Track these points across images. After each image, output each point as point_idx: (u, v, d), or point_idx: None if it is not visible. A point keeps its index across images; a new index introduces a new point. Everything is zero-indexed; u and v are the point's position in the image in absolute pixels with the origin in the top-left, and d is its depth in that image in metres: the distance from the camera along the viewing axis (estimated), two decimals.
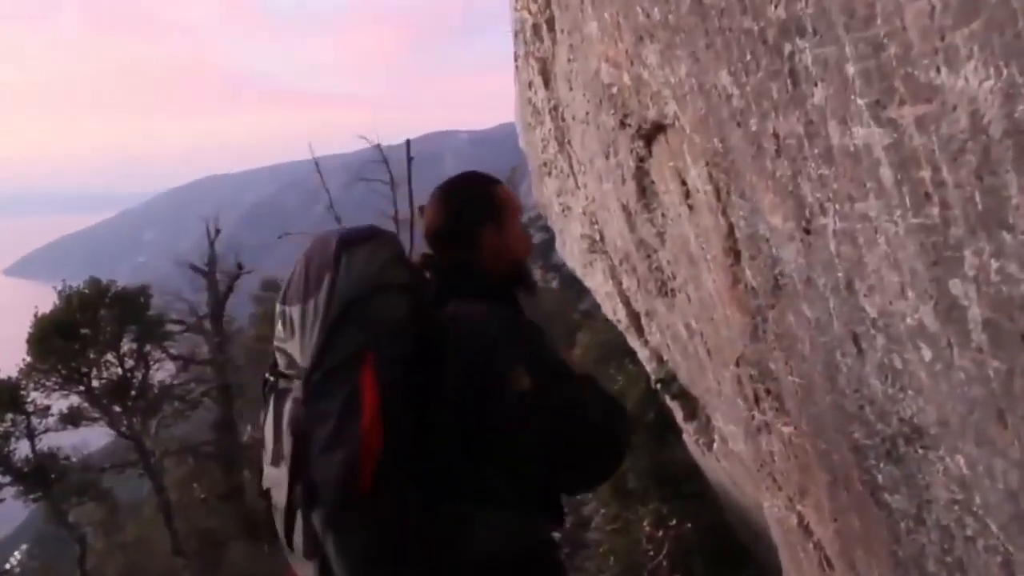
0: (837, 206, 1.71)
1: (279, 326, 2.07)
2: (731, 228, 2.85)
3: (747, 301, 2.93)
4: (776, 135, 1.92)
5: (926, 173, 1.37)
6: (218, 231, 20.69)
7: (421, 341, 2.00)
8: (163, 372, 20.93)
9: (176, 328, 21.04)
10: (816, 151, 1.74)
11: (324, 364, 1.92)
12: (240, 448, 20.26)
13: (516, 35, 5.11)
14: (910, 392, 1.74)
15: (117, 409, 18.95)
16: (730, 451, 4.52)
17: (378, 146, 11.20)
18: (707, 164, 2.86)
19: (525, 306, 2.35)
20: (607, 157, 3.96)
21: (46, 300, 20.43)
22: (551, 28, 4.48)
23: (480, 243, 2.31)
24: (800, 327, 2.43)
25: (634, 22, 2.96)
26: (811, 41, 1.62)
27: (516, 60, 5.31)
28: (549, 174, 5.28)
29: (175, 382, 21.02)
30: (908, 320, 1.60)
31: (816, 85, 1.65)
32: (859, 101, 1.51)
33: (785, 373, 2.87)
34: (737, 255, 2.90)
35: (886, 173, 1.50)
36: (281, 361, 2.07)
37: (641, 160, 3.65)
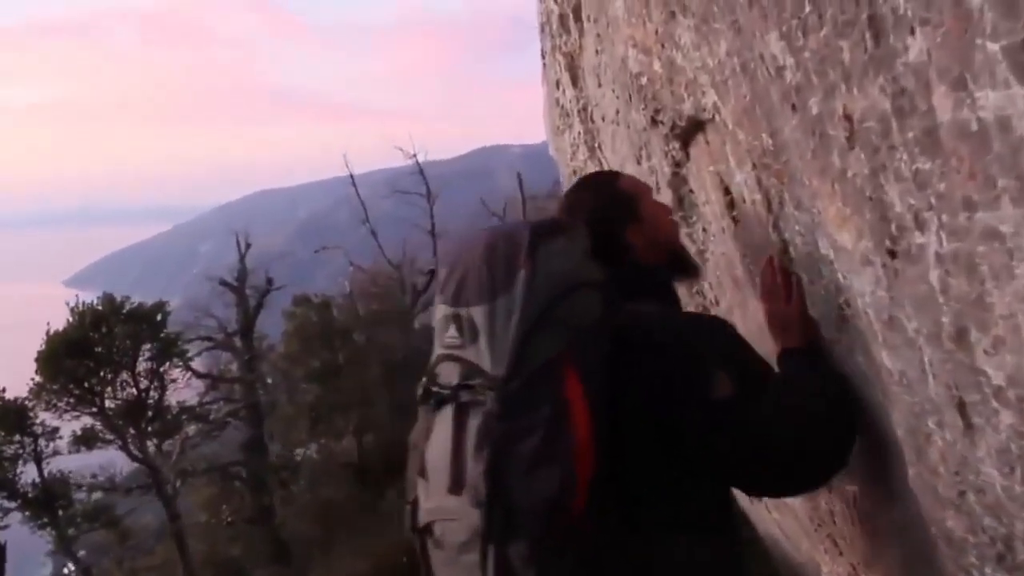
0: (944, 217, 1.13)
1: (450, 331, 1.84)
2: (785, 246, 2.30)
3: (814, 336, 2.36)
4: (848, 117, 1.35)
5: None
6: (248, 245, 20.38)
7: (614, 345, 1.86)
8: (190, 391, 20.52)
9: (200, 345, 20.68)
10: (911, 135, 1.16)
11: (523, 371, 1.73)
12: (269, 469, 19.85)
13: (542, 29, 4.58)
14: None
15: (132, 431, 18.56)
16: (783, 503, 3.95)
17: (414, 156, 10.81)
18: (754, 167, 2.30)
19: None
20: (639, 162, 3.41)
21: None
22: (577, 17, 3.95)
23: (626, 244, 2.21)
24: (874, 373, 1.87)
25: None
26: None
27: (543, 57, 4.77)
28: None
29: (204, 400, 20.62)
30: None
31: (913, 33, 1.08)
32: (990, 47, 0.92)
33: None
34: (797, 279, 2.33)
35: None
36: (452, 371, 1.84)
37: (677, 165, 3.10)
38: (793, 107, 1.65)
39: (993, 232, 1.04)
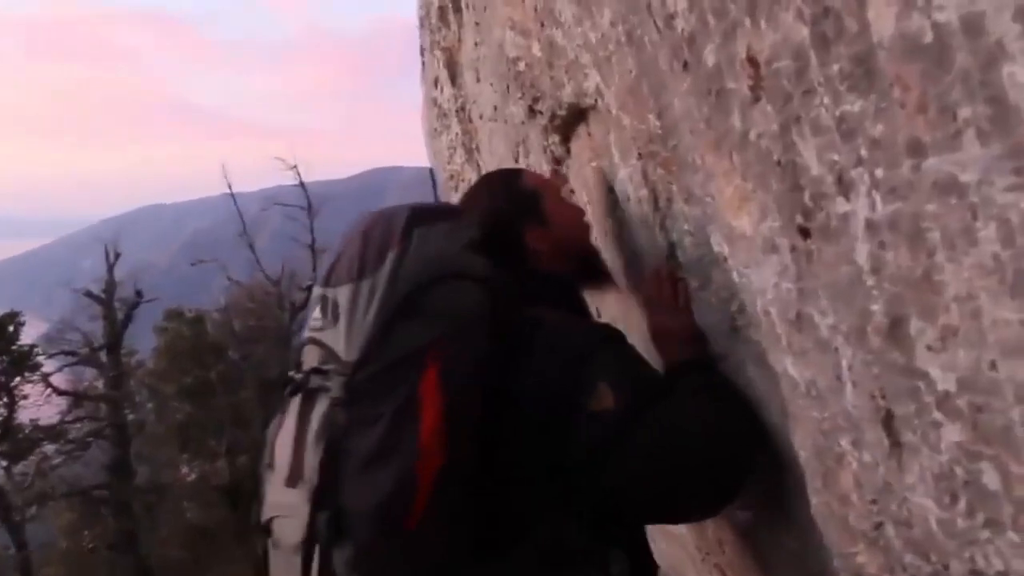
0: (879, 172, 0.86)
1: (316, 312, 1.71)
2: (672, 249, 2.06)
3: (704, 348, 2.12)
4: (752, 60, 1.08)
5: None
6: (118, 255, 19.41)
7: (499, 347, 1.68)
8: (51, 408, 19.36)
9: (62, 360, 19.57)
10: (835, 68, 0.89)
11: (377, 359, 1.57)
12: (135, 492, 18.84)
13: (421, 24, 4.30)
14: (1011, 535, 0.89)
15: None
16: (669, 531, 3.73)
17: (295, 167, 10.41)
18: (640, 156, 2.06)
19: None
20: (516, 160, 3.15)
21: None
22: (457, 8, 3.68)
23: (527, 249, 2.01)
24: (768, 389, 1.63)
25: None
26: None
27: (422, 55, 4.49)
28: (456, 188, 4.46)
29: (65, 419, 19.48)
30: None
31: None
32: None
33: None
34: (684, 286, 2.08)
35: (1019, 71, 0.66)
36: (313, 356, 1.68)
37: (557, 162, 2.84)
38: (685, 65, 1.38)
39: (949, 183, 0.77)
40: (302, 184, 11.60)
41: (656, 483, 1.68)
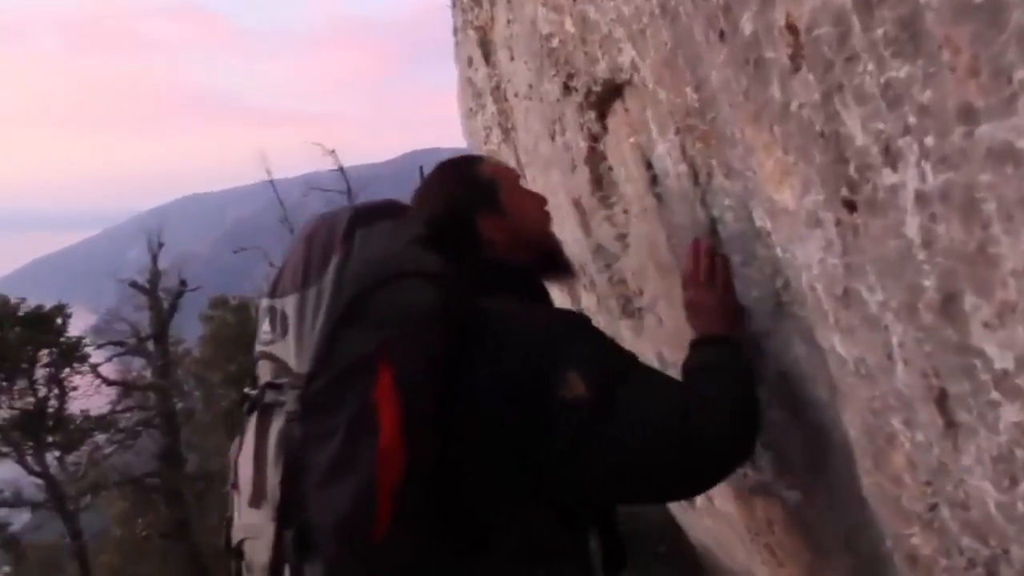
0: (929, 140, 0.81)
1: (265, 325, 1.67)
2: (713, 224, 2.01)
3: (735, 327, 2.08)
4: (792, 28, 1.03)
5: None
6: (161, 245, 19.61)
7: (453, 342, 1.64)
8: (101, 398, 19.62)
9: (111, 351, 19.80)
10: (880, 32, 0.85)
11: (329, 368, 1.53)
12: (185, 480, 19.06)
13: (453, 4, 4.25)
14: None
15: (30, 443, 17.60)
16: (717, 510, 3.69)
17: (332, 152, 10.45)
18: (678, 131, 2.01)
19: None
20: (552, 139, 3.10)
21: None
22: None
23: (481, 240, 1.90)
24: (816, 365, 1.59)
25: None
26: None
27: (455, 35, 4.44)
28: None
29: (116, 409, 19.74)
30: None
31: None
32: None
33: (791, 425, 2.03)
34: (723, 262, 2.04)
35: None
36: (267, 369, 1.65)
37: (594, 139, 2.79)
38: (722, 34, 1.33)
39: (1005, 150, 0.72)
40: (341, 168, 11.64)
41: (631, 469, 1.61)
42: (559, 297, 4.33)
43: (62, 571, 19.70)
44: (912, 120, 0.84)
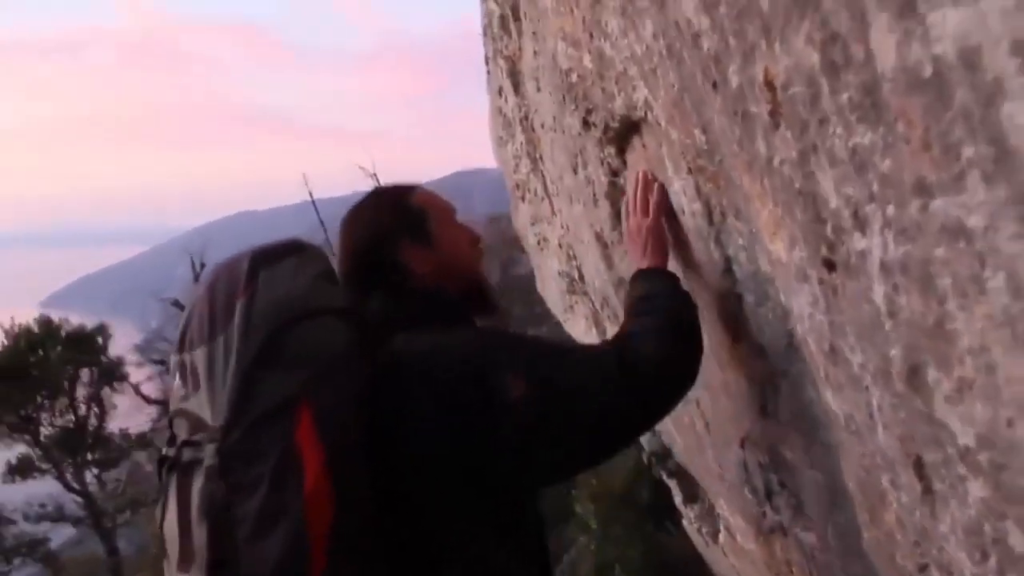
0: (890, 210, 0.80)
1: (176, 381, 1.61)
2: (728, 263, 1.99)
3: (753, 365, 2.07)
4: (770, 84, 1.02)
5: None
6: (203, 265, 19.85)
7: (370, 379, 1.60)
8: (143, 416, 19.84)
9: (153, 370, 20.08)
10: (845, 97, 0.83)
11: (245, 416, 1.47)
12: None
13: (484, 33, 4.27)
14: None
15: (70, 460, 17.88)
16: (740, 547, 3.64)
17: (374, 175, 10.55)
18: (690, 171, 2.00)
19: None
20: (575, 171, 3.10)
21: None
22: (516, 17, 3.64)
23: (404, 270, 1.84)
24: (825, 411, 1.57)
25: None
26: None
27: (487, 63, 4.46)
28: (523, 198, 4.41)
29: (157, 427, 20.00)
30: None
31: None
32: None
33: (804, 465, 1.99)
34: (739, 300, 2.02)
35: (1018, 112, 0.60)
36: (182, 427, 1.59)
37: (614, 174, 2.78)
38: (714, 85, 1.33)
39: (956, 228, 0.71)
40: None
41: (592, 430, 1.66)
42: (584, 328, 4.32)
43: None
44: (876, 188, 0.83)
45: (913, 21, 0.68)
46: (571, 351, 1.75)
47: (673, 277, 2.02)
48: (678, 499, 4.36)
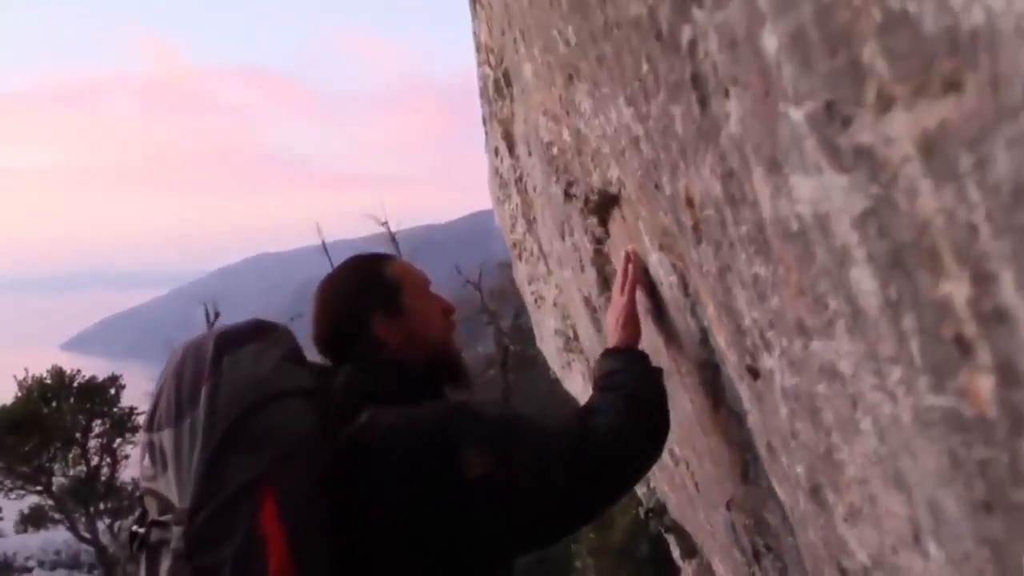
0: (784, 342, 0.83)
1: (146, 461, 1.62)
2: (704, 334, 2.02)
3: (732, 432, 2.09)
4: (690, 202, 1.06)
5: (955, 286, 0.51)
6: (217, 314, 19.95)
7: (334, 460, 1.60)
8: None
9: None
10: (744, 230, 0.88)
11: (210, 500, 1.48)
12: None
13: (481, 95, 4.33)
14: None
15: (82, 510, 17.89)
16: None
17: (385, 224, 10.65)
18: (662, 247, 2.03)
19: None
20: (563, 237, 3.14)
21: (101, 375, 19.81)
22: (508, 82, 3.70)
23: (375, 340, 1.84)
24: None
25: (557, 55, 2.16)
26: (707, 7, 0.77)
27: (484, 125, 4.53)
28: (520, 257, 4.46)
29: None
30: None
31: (728, 96, 0.79)
32: (793, 114, 0.64)
33: (785, 532, 2.01)
34: (716, 370, 2.05)
35: (863, 279, 0.64)
36: (152, 506, 1.60)
37: (598, 241, 2.82)
38: (656, 186, 1.37)
39: (832, 370, 0.75)
40: (393, 238, 11.88)
41: (554, 505, 1.67)
42: (581, 385, 4.33)
43: None
44: (772, 318, 0.87)
45: (780, 178, 0.72)
46: (534, 426, 1.74)
47: (639, 354, 2.06)
48: (676, 553, 4.34)
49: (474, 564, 1.64)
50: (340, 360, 1.86)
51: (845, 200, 0.62)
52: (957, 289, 0.52)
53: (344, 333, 1.87)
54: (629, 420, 1.79)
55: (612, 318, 2.17)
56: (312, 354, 1.95)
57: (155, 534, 1.56)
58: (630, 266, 2.16)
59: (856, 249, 0.63)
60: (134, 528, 1.63)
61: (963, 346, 0.54)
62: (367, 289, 1.92)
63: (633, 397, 1.85)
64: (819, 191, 0.65)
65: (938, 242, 0.52)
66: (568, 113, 2.41)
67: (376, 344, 1.85)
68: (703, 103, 0.90)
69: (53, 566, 19.16)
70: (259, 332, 1.71)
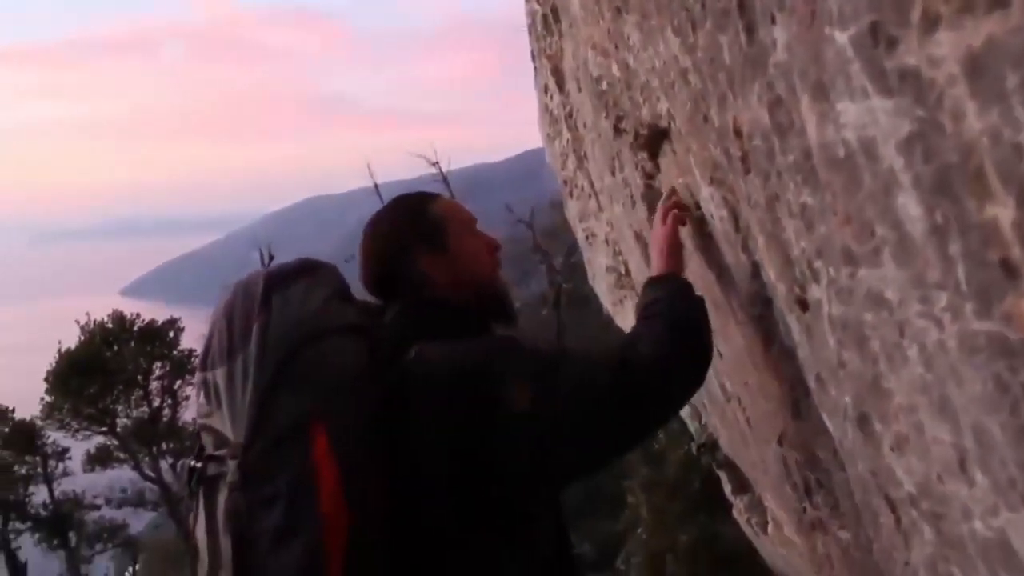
0: (831, 271, 0.83)
1: (201, 398, 1.66)
2: (756, 268, 2.00)
3: (784, 367, 2.08)
4: (738, 132, 1.05)
5: (1001, 208, 0.51)
6: (272, 257, 20.17)
7: (384, 394, 1.61)
8: None
9: None
10: (791, 159, 0.87)
11: (263, 436, 1.52)
12: None
13: (529, 32, 4.28)
14: None
15: (146, 450, 18.40)
16: (787, 539, 3.64)
17: (436, 164, 10.61)
18: (712, 181, 2.01)
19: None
20: (613, 173, 3.12)
21: (160, 319, 20.29)
22: (556, 18, 3.65)
23: (421, 277, 1.85)
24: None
25: None
26: None
27: (533, 60, 4.48)
28: (571, 194, 4.43)
29: None
30: (978, 525, 0.71)
31: (774, 22, 0.78)
32: (839, 38, 0.63)
33: (836, 468, 2.00)
34: (768, 304, 2.03)
35: (909, 204, 0.63)
36: (208, 442, 1.65)
37: (649, 177, 2.79)
38: (704, 118, 1.36)
39: (878, 298, 0.74)
40: (444, 179, 11.83)
41: (597, 436, 1.68)
42: (633, 322, 4.31)
43: (183, 566, 20.67)
44: (821, 247, 0.86)
45: (826, 104, 0.71)
46: (577, 358, 1.77)
47: (681, 282, 2.05)
48: (727, 489, 4.36)
49: (519, 495, 1.67)
50: (388, 299, 1.88)
51: (891, 124, 0.61)
52: (1003, 212, 0.52)
53: (391, 272, 1.87)
54: (670, 349, 1.78)
55: (655, 247, 2.16)
56: (362, 296, 1.98)
57: (212, 468, 1.61)
58: (674, 196, 2.16)
59: (902, 174, 0.63)
60: (192, 463, 1.68)
61: (1009, 270, 0.54)
62: (412, 227, 1.92)
63: (675, 326, 1.84)
64: (865, 116, 0.64)
65: (984, 164, 0.52)
66: (617, 47, 2.38)
67: (423, 282, 1.86)
68: (750, 30, 0.89)
69: (120, 504, 19.85)
70: (307, 270, 1.73)
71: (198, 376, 1.69)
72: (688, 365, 1.86)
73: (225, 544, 1.53)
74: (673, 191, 2.20)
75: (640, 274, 3.47)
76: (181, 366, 19.47)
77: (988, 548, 0.73)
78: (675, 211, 2.14)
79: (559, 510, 1.90)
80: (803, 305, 1.08)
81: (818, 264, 0.89)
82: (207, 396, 1.64)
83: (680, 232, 2.19)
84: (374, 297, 1.92)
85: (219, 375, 1.61)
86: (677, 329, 1.84)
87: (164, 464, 19.00)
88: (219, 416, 1.61)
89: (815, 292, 0.95)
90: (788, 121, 0.86)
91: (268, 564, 1.48)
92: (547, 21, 3.88)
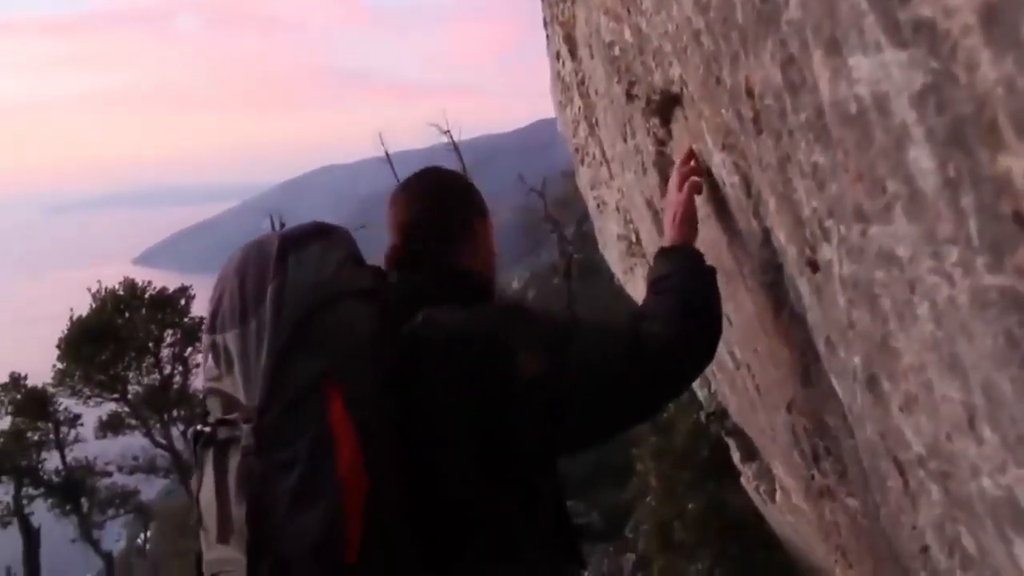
0: (842, 229, 0.83)
1: (209, 361, 1.64)
2: (766, 235, 1.99)
3: (794, 333, 2.08)
4: (750, 92, 1.05)
5: (1015, 160, 0.50)
6: (283, 224, 20.18)
7: (396, 359, 1.63)
8: None
9: None
10: (803, 117, 0.86)
11: (279, 399, 1.51)
12: None
13: None
14: None
15: (157, 417, 18.52)
16: (795, 506, 3.66)
17: (447, 133, 10.59)
18: (724, 146, 2.00)
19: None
20: (625, 140, 3.11)
21: (171, 287, 20.40)
22: None
23: (474, 238, 1.94)
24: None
25: None
26: None
27: (545, 27, 4.45)
28: (582, 162, 4.43)
29: None
30: (987, 483, 0.72)
31: None
32: None
33: (845, 434, 2.01)
34: (778, 270, 2.02)
35: (921, 158, 0.63)
36: (216, 406, 1.63)
37: (661, 143, 2.78)
38: (717, 80, 1.35)
39: (889, 255, 0.74)
40: (456, 148, 11.80)
41: (606, 405, 1.68)
42: (643, 290, 4.32)
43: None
44: (832, 206, 0.86)
45: (839, 59, 0.71)
46: (588, 329, 1.78)
47: (694, 254, 2.04)
48: (736, 457, 4.38)
49: (525, 462, 1.69)
50: (424, 247, 1.89)
51: (904, 77, 0.61)
52: (1016, 163, 0.51)
53: (446, 224, 1.91)
54: (682, 326, 1.78)
55: (669, 215, 2.14)
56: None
57: (223, 432, 1.60)
58: (689, 161, 2.12)
59: (914, 128, 0.62)
60: (198, 427, 1.68)
61: (1021, 222, 0.53)
62: (472, 196, 2.00)
63: (686, 304, 1.84)
64: (878, 70, 0.64)
65: (998, 115, 0.51)
66: (629, 11, 2.36)
67: (469, 242, 1.93)
68: None
69: (131, 471, 20.02)
70: (321, 233, 1.72)
71: (206, 339, 1.67)
72: (699, 343, 1.86)
73: (238, 509, 1.52)
74: (691, 154, 2.16)
75: (651, 242, 3.47)
76: (192, 333, 19.53)
77: (996, 506, 0.73)
78: (692, 179, 2.11)
79: (559, 484, 1.91)
80: (814, 266, 1.08)
81: (829, 223, 0.88)
82: (216, 359, 1.62)
83: (695, 200, 2.18)
84: (405, 242, 1.92)
85: (230, 338, 1.60)
86: (689, 306, 1.84)
87: (175, 431, 19.14)
88: (230, 379, 1.59)
89: (826, 252, 0.94)
90: (800, 79, 0.85)
91: (285, 528, 1.47)
92: None
